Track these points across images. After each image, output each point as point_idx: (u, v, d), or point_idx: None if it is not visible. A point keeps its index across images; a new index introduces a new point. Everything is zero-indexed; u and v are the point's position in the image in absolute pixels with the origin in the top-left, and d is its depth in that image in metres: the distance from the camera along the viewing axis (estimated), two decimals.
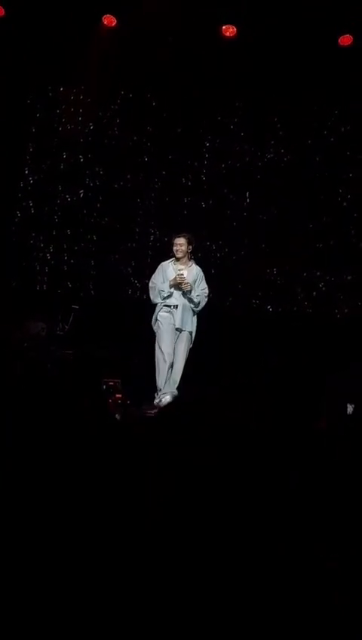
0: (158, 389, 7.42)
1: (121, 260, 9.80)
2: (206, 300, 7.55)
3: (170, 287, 7.41)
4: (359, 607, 1.33)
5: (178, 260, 7.49)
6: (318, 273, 9.51)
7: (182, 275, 7.34)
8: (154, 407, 7.26)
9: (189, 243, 7.49)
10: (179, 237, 7.48)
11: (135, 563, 1.00)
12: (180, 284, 7.32)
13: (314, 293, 9.52)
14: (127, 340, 8.77)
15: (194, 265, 7.58)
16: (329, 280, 9.48)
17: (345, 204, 9.51)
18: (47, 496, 1.03)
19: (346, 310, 9.40)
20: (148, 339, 8.96)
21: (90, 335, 8.68)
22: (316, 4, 8.39)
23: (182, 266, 7.47)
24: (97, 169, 9.84)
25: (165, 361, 7.33)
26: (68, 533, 1.00)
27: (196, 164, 9.78)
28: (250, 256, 9.57)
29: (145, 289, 9.70)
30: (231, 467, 1.05)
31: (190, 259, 7.60)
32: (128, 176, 9.84)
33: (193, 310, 7.47)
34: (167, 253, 9.65)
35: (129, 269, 9.80)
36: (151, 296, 7.53)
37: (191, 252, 7.59)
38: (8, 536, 0.95)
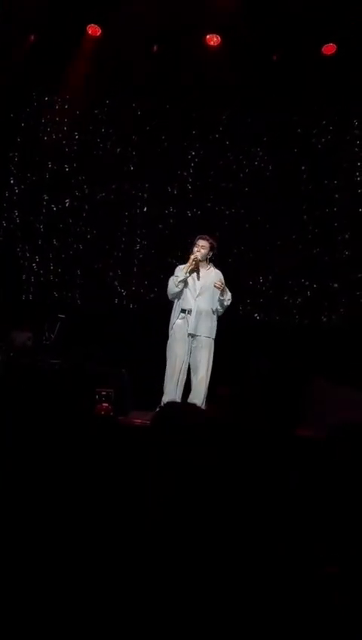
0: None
1: (107, 269, 9.79)
2: (226, 305, 6.98)
3: (186, 274, 6.86)
4: (359, 607, 1.32)
5: (197, 262, 6.93)
6: (306, 282, 9.53)
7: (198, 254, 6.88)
8: (141, 416, 7.20)
9: (211, 248, 7.02)
10: (203, 240, 7.03)
11: (135, 562, 0.98)
12: (194, 264, 6.83)
13: (300, 299, 9.54)
14: (114, 348, 8.74)
15: (213, 268, 7.08)
16: (315, 287, 9.51)
17: (330, 212, 9.55)
18: (47, 497, 1.01)
19: (333, 317, 9.43)
20: (136, 347, 8.95)
21: (77, 344, 8.64)
22: (300, 14, 8.44)
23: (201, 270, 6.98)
24: (83, 178, 9.84)
25: (172, 376, 6.85)
26: (68, 532, 0.98)
27: (185, 173, 9.80)
28: (237, 264, 9.59)
29: (132, 297, 9.74)
30: (229, 468, 1.03)
31: (208, 263, 7.07)
32: (113, 186, 9.85)
33: (212, 315, 6.93)
34: (154, 262, 9.67)
35: (116, 281, 9.78)
36: (168, 289, 6.95)
37: (210, 259, 7.07)
38: (9, 536, 0.93)
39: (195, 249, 6.94)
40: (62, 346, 8.50)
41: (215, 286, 6.79)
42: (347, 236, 9.50)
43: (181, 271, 6.91)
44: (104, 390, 7.04)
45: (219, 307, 6.92)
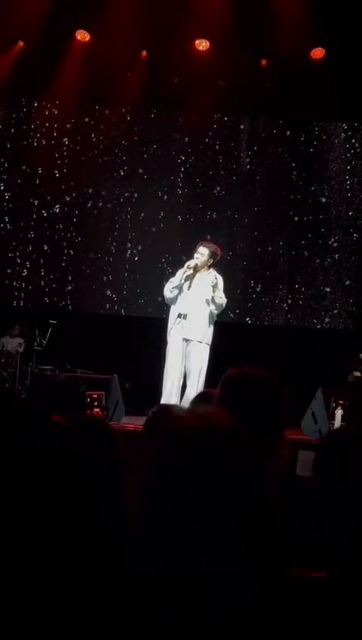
0: None
1: (98, 274, 9.79)
2: (221, 307, 6.71)
3: (181, 280, 6.56)
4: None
5: (195, 269, 6.66)
6: (297, 286, 9.56)
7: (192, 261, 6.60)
8: (134, 421, 7.15)
9: (212, 255, 6.69)
10: (204, 246, 6.72)
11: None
12: (192, 270, 6.53)
13: (289, 302, 9.57)
14: (106, 354, 8.73)
15: (213, 271, 6.80)
16: (305, 291, 9.54)
17: (321, 216, 9.58)
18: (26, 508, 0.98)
19: (327, 320, 9.46)
20: (127, 352, 8.93)
21: (68, 350, 8.63)
22: (288, 19, 8.46)
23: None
24: (72, 184, 9.84)
25: (168, 380, 6.67)
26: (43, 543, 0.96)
27: (178, 180, 9.82)
28: (228, 268, 9.59)
29: (123, 302, 9.75)
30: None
31: (209, 270, 6.76)
32: (103, 192, 9.86)
33: (207, 321, 6.69)
34: (145, 267, 9.68)
35: (107, 286, 9.79)
36: (164, 292, 6.76)
37: (211, 266, 6.75)
38: None
39: (195, 255, 6.68)
40: (53, 352, 8.49)
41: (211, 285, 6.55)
42: (336, 241, 9.54)
43: (177, 276, 6.68)
44: (95, 393, 7.00)
45: (213, 308, 6.67)
